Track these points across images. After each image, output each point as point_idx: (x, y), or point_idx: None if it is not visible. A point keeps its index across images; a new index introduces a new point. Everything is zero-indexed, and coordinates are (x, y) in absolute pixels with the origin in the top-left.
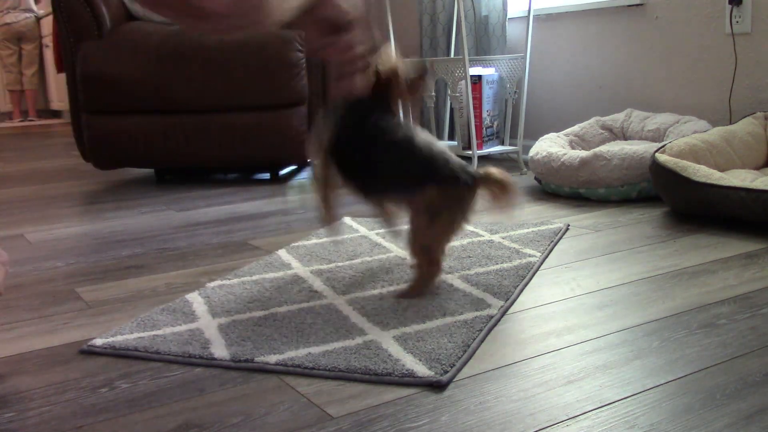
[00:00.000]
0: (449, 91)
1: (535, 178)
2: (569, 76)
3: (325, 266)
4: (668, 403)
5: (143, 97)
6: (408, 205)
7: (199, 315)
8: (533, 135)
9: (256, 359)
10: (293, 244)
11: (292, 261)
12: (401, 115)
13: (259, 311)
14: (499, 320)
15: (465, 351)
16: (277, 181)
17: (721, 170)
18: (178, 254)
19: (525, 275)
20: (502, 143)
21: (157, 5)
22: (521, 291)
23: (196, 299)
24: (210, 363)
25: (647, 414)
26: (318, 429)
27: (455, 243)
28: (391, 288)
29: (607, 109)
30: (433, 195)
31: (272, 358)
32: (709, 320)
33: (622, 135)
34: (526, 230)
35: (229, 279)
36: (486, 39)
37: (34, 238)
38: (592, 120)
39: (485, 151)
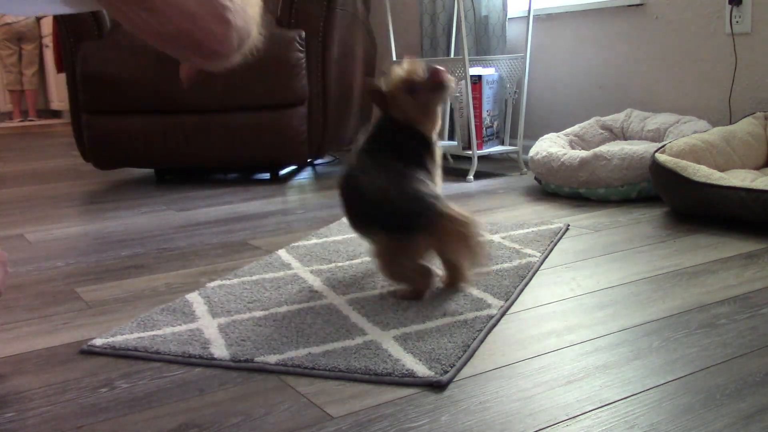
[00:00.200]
0: None
1: (535, 178)
2: (569, 76)
3: (325, 266)
4: (668, 403)
5: (143, 97)
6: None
7: (199, 315)
8: (533, 135)
9: (256, 359)
10: (293, 244)
11: (292, 261)
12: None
13: (259, 311)
14: (499, 320)
15: (465, 351)
16: (277, 181)
17: (721, 170)
18: (178, 254)
19: (525, 275)
20: (502, 143)
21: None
22: (521, 291)
23: (196, 299)
24: (210, 363)
25: (647, 414)
26: (318, 429)
27: None
28: (392, 288)
29: (607, 109)
30: (379, 241)
31: (272, 358)
32: (709, 320)
33: (622, 135)
34: (526, 230)
35: (229, 279)
36: (486, 39)
37: (34, 238)
38: (592, 120)
39: (485, 151)
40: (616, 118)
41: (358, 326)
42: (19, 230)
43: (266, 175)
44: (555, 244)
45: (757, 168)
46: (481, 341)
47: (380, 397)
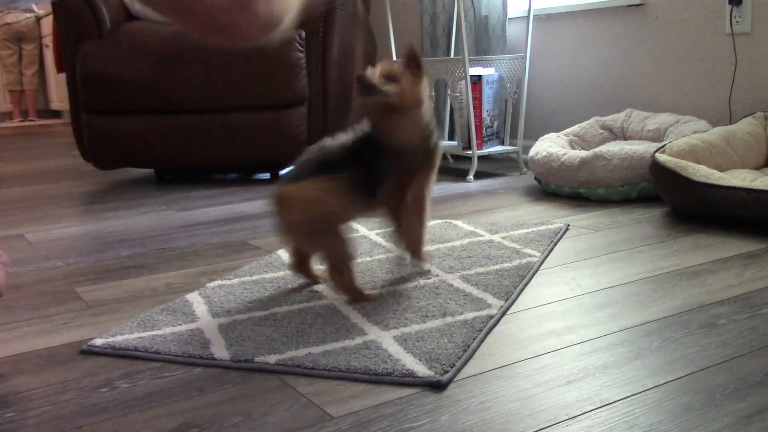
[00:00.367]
0: (449, 91)
1: (535, 178)
2: (569, 76)
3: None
4: (668, 403)
5: (143, 97)
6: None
7: (199, 315)
8: (533, 135)
9: (256, 359)
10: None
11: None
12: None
13: (259, 311)
14: (499, 320)
15: (465, 351)
16: (277, 181)
17: (721, 170)
18: (178, 254)
19: (525, 275)
20: (502, 143)
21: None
22: (521, 291)
23: (196, 299)
24: (210, 363)
25: (647, 414)
26: (318, 429)
27: (455, 243)
28: (391, 288)
29: (607, 109)
30: None
31: (272, 358)
32: (709, 320)
33: (622, 135)
34: (526, 230)
35: (229, 279)
36: (486, 39)
37: (34, 238)
38: (592, 120)
39: (485, 151)
40: (616, 118)
41: (358, 326)
42: (19, 230)
43: (266, 175)
44: (555, 244)
45: (757, 168)
46: (481, 341)
47: (380, 397)
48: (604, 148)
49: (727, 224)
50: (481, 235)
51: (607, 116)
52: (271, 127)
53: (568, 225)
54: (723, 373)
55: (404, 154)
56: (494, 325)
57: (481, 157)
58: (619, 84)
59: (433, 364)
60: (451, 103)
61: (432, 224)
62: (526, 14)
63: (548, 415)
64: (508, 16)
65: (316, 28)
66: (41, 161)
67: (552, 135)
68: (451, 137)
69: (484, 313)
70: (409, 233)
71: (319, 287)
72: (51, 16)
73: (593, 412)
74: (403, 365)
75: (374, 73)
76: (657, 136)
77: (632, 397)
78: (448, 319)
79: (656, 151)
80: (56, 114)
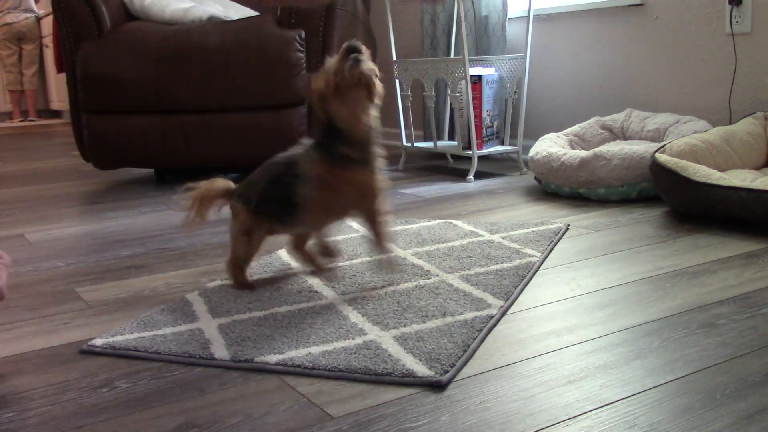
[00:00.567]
0: (449, 91)
1: (535, 178)
2: (569, 76)
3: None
4: (668, 403)
5: (143, 97)
6: None
7: (199, 315)
8: (533, 135)
9: (256, 359)
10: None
11: (292, 261)
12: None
13: (259, 311)
14: (499, 320)
15: (465, 351)
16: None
17: (721, 170)
18: (178, 254)
19: (525, 275)
20: (502, 143)
21: None
22: (521, 291)
23: (196, 299)
24: (210, 363)
25: (647, 414)
26: (318, 429)
27: (455, 243)
28: (391, 288)
29: (607, 109)
30: None
31: (272, 358)
32: (709, 320)
33: (622, 135)
34: (526, 230)
35: (229, 279)
36: (486, 39)
37: (34, 238)
38: (592, 120)
39: (485, 151)
40: (616, 118)
41: (358, 326)
42: (19, 230)
43: None
44: (555, 244)
45: (757, 168)
46: (481, 341)
47: (380, 397)
48: (604, 148)
49: (727, 224)
50: (481, 235)
51: (607, 116)
52: (271, 127)
53: (568, 225)
54: (723, 373)
55: (352, 138)
56: (494, 325)
57: (481, 157)
58: (619, 84)
59: (433, 364)
60: (451, 103)
61: (432, 224)
62: (526, 14)
63: (548, 415)
64: (508, 16)
65: (316, 28)
66: (41, 161)
67: (552, 135)
68: (451, 137)
69: (484, 313)
70: (373, 242)
71: (319, 287)
72: (51, 16)
73: (593, 412)
74: (403, 365)
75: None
76: (657, 136)
77: (632, 397)
78: (448, 319)
79: (656, 151)
80: (56, 114)
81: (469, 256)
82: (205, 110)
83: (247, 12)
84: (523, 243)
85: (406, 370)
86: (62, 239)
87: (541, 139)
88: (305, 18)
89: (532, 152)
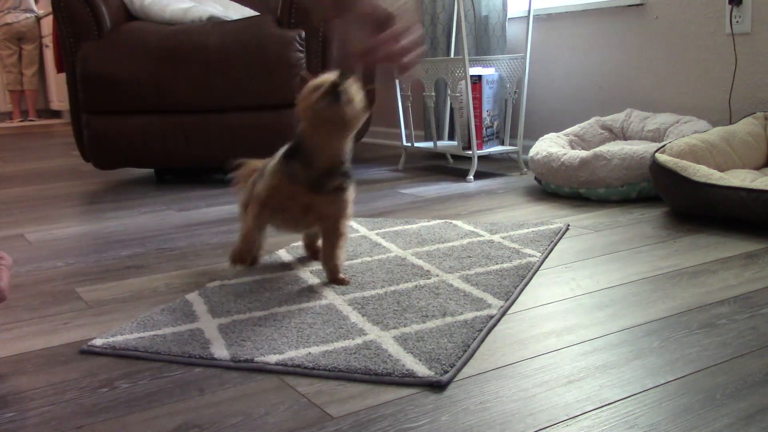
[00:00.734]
0: (449, 91)
1: (535, 178)
2: (569, 76)
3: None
4: (668, 403)
5: (143, 97)
6: None
7: (199, 315)
8: (533, 135)
9: (256, 359)
10: (293, 244)
11: (292, 261)
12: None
13: (259, 311)
14: (499, 320)
15: (465, 351)
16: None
17: (721, 170)
18: (178, 254)
19: (525, 275)
20: (502, 143)
21: None
22: (521, 291)
23: (196, 299)
24: (210, 363)
25: (647, 414)
26: (318, 429)
27: (455, 243)
28: (391, 288)
29: (607, 109)
30: None
31: (272, 358)
32: (709, 320)
33: (622, 135)
34: (526, 230)
35: (229, 279)
36: (486, 39)
37: (34, 238)
38: (592, 120)
39: (485, 151)
40: (616, 118)
41: (358, 326)
42: (19, 230)
43: None
44: (555, 244)
45: (757, 168)
46: (481, 341)
47: (380, 397)
48: (604, 148)
49: (727, 224)
50: (481, 235)
51: (607, 116)
52: (271, 127)
53: (568, 225)
54: (723, 373)
55: (314, 168)
56: (494, 325)
57: (481, 157)
58: (619, 84)
59: (433, 364)
60: (451, 103)
61: (432, 224)
62: (526, 14)
63: (548, 415)
64: (508, 16)
65: (316, 28)
66: (41, 161)
67: (552, 135)
68: (451, 137)
69: (484, 313)
70: (325, 260)
71: (319, 287)
72: (51, 16)
73: (593, 412)
74: (403, 365)
75: (349, 81)
76: (657, 136)
77: (632, 397)
78: (448, 319)
79: (656, 151)
80: (56, 114)
81: (469, 256)
82: (205, 110)
83: (247, 12)
84: (523, 243)
85: (406, 370)
86: (62, 239)
87: (541, 139)
88: (305, 18)
89: (532, 152)
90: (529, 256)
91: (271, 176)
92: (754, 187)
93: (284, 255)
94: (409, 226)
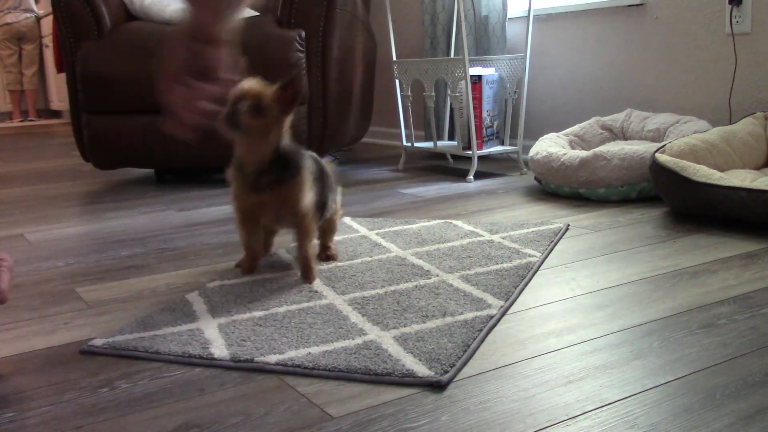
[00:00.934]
0: (449, 91)
1: (535, 178)
2: (569, 76)
3: (325, 266)
4: (668, 403)
5: (143, 97)
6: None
7: (199, 315)
8: (533, 135)
9: (256, 359)
10: (293, 245)
11: (292, 261)
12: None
13: (259, 311)
14: (499, 320)
15: (465, 351)
16: None
17: (721, 170)
18: (178, 254)
19: (525, 275)
20: (502, 143)
21: None
22: (521, 291)
23: (196, 299)
24: (210, 363)
25: (647, 414)
26: (318, 429)
27: (455, 243)
28: (391, 288)
29: (607, 109)
30: None
31: (272, 358)
32: (709, 320)
33: (622, 135)
34: (526, 230)
35: (229, 279)
36: (486, 39)
37: (34, 238)
38: (592, 120)
39: (485, 151)
40: (616, 118)
41: (358, 326)
42: (19, 230)
43: None
44: (555, 244)
45: (757, 168)
46: (481, 341)
47: (380, 397)
48: (604, 148)
49: (727, 224)
50: (481, 235)
51: (607, 116)
52: None
53: (568, 225)
54: (723, 373)
55: (246, 171)
56: (494, 325)
57: (481, 157)
58: (619, 84)
59: (433, 364)
60: (451, 103)
61: (432, 224)
62: (526, 14)
63: (548, 415)
64: (508, 16)
65: (316, 28)
66: (41, 161)
67: (552, 135)
68: (451, 137)
69: (484, 313)
70: (296, 255)
71: (319, 287)
72: (51, 16)
73: (593, 412)
74: (403, 365)
75: (244, 100)
76: (657, 136)
77: (632, 397)
78: (448, 319)
79: (656, 151)
80: (56, 114)
81: (469, 256)
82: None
83: (247, 12)
84: (523, 243)
85: (406, 370)
86: (62, 239)
87: (541, 139)
88: (305, 18)
89: (532, 152)
90: (529, 256)
91: (232, 183)
92: (754, 187)
93: (284, 255)
94: (409, 226)
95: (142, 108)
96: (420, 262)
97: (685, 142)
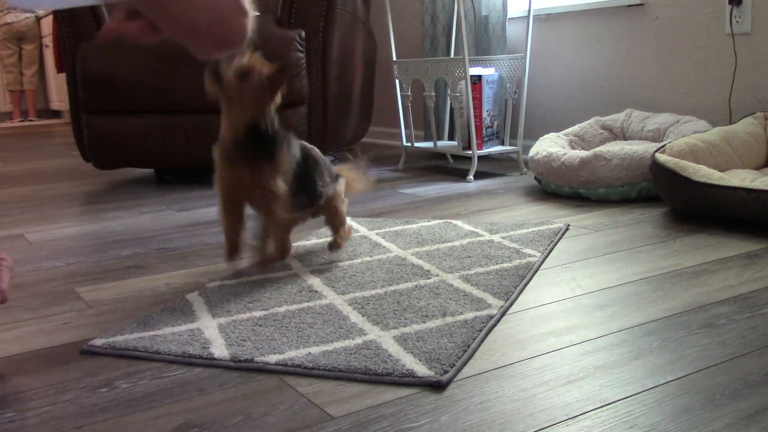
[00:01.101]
0: (449, 91)
1: (535, 178)
2: (569, 76)
3: (325, 266)
4: (668, 403)
5: (143, 97)
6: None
7: (199, 315)
8: (533, 135)
9: (256, 359)
10: (293, 244)
11: (293, 261)
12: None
13: (259, 311)
14: (499, 320)
15: (465, 351)
16: None
17: (721, 170)
18: (178, 254)
19: (525, 275)
20: (502, 143)
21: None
22: (521, 291)
23: (196, 299)
24: (210, 363)
25: (647, 414)
26: (318, 429)
27: (455, 243)
28: (391, 288)
29: (607, 109)
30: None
31: (272, 358)
32: (709, 320)
33: (622, 135)
34: (526, 230)
35: (229, 279)
36: (486, 39)
37: (34, 238)
38: (592, 120)
39: (485, 151)
40: (616, 118)
41: (358, 326)
42: (19, 230)
43: None
44: (555, 244)
45: (757, 168)
46: (481, 341)
47: (380, 397)
48: (604, 148)
49: (727, 224)
50: (481, 235)
51: (607, 116)
52: None
53: (568, 225)
54: (723, 373)
55: (225, 143)
56: (494, 325)
57: (481, 157)
58: (619, 84)
59: (433, 364)
60: (451, 103)
61: (432, 224)
62: (526, 14)
63: (548, 415)
64: (508, 16)
65: (316, 28)
66: (41, 161)
67: (552, 135)
68: (451, 137)
69: (484, 313)
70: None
71: (319, 287)
72: (51, 16)
73: (593, 412)
74: (403, 365)
75: (232, 64)
76: (657, 136)
77: (632, 397)
78: (448, 319)
79: (656, 151)
80: (56, 114)
81: (469, 256)
82: (205, 110)
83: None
84: (523, 243)
85: (406, 370)
86: (62, 239)
87: (541, 139)
88: (305, 18)
89: (532, 152)
90: (529, 256)
91: (215, 162)
92: (754, 187)
93: None
94: (409, 226)
95: (142, 108)
96: (420, 262)
97: (685, 142)
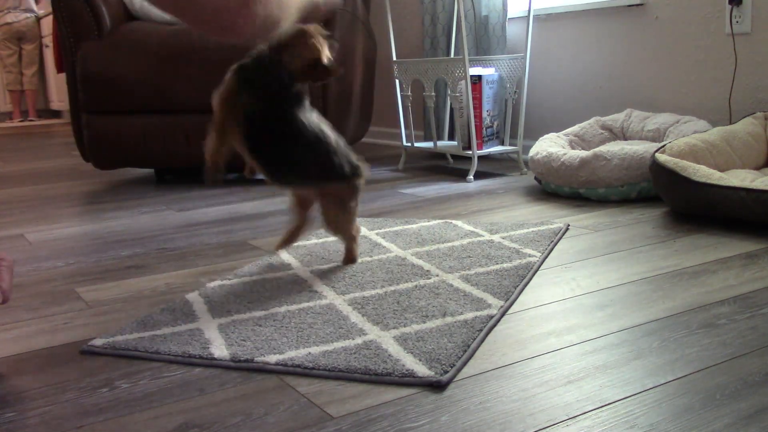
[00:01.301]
0: (449, 91)
1: (535, 178)
2: (569, 76)
3: (325, 266)
4: (668, 403)
5: (143, 97)
6: (319, 194)
7: (199, 315)
8: (533, 135)
9: (256, 359)
10: (293, 244)
11: (292, 261)
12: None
13: (259, 311)
14: (499, 320)
15: (465, 351)
16: None
17: (721, 170)
18: (178, 254)
19: (525, 275)
20: (502, 143)
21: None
22: (521, 291)
23: (196, 299)
24: (210, 363)
25: (647, 414)
26: (318, 429)
27: (455, 243)
28: (391, 288)
29: (607, 109)
30: (343, 188)
31: (272, 358)
32: (709, 320)
33: (622, 135)
34: (526, 230)
35: (229, 279)
36: (486, 39)
37: (34, 238)
38: (592, 120)
39: (485, 151)
40: (616, 118)
41: (358, 326)
42: (19, 230)
43: None
44: (555, 244)
45: (757, 168)
46: (481, 341)
47: (380, 397)
48: (604, 148)
49: (727, 224)
50: (481, 235)
51: (607, 116)
52: None
53: (568, 225)
54: (723, 373)
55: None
56: (494, 325)
57: (481, 157)
58: (619, 84)
59: (433, 364)
60: (451, 103)
61: (432, 224)
62: (526, 14)
63: (548, 415)
64: (508, 16)
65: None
66: (41, 161)
67: (552, 135)
68: (451, 137)
69: (484, 313)
70: None
71: (319, 287)
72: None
73: (593, 412)
74: (403, 365)
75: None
76: (657, 136)
77: (632, 397)
78: (448, 319)
79: (656, 151)
80: (56, 114)
81: (469, 256)
82: (205, 110)
83: None
84: (523, 243)
85: (406, 370)
86: (62, 239)
87: (541, 139)
88: (305, 18)
89: (532, 152)
90: (529, 256)
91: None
92: (754, 187)
93: (284, 255)
94: (409, 226)
95: (142, 108)
96: (420, 262)
97: (685, 142)
